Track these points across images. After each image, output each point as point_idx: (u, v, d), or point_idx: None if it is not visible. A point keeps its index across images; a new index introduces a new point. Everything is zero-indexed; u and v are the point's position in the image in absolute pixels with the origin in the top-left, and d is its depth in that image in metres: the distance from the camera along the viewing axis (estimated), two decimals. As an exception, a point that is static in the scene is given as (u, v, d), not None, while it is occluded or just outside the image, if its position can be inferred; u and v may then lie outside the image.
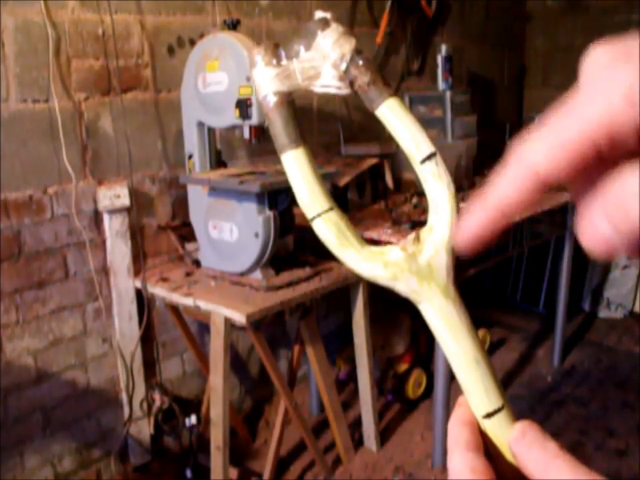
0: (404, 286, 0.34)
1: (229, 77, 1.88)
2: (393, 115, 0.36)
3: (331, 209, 0.36)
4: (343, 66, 0.36)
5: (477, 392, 0.33)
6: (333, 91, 0.36)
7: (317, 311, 2.22)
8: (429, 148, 0.35)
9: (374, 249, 0.35)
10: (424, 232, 0.35)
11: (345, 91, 0.36)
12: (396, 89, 3.15)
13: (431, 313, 0.34)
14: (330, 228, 0.35)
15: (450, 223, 0.34)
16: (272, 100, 0.36)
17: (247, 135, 1.92)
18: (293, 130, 0.37)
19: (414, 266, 0.34)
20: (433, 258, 0.34)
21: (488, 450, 0.33)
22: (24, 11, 1.82)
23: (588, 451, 2.41)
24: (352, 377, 2.59)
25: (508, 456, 0.32)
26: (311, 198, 0.36)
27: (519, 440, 0.31)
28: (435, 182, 0.35)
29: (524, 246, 2.65)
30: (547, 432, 0.31)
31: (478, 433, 0.33)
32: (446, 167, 0.35)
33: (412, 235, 0.35)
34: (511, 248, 2.57)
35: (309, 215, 0.36)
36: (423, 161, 0.35)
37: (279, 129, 0.36)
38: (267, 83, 0.36)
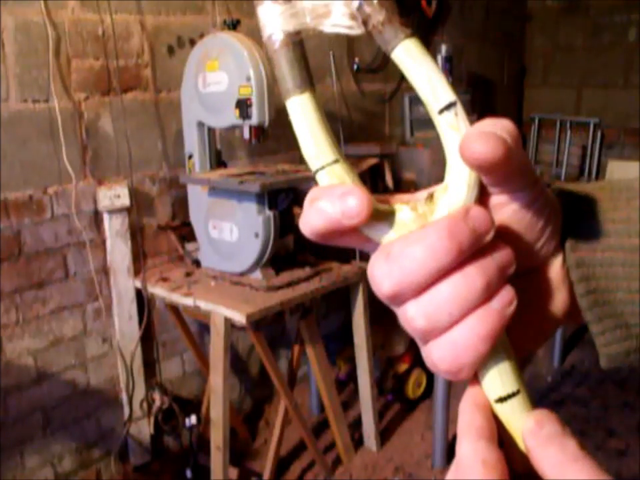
0: None
1: (228, 76, 1.88)
2: (410, 59, 0.32)
3: (336, 161, 0.32)
4: (355, 3, 0.32)
5: (491, 373, 0.30)
6: (343, 31, 0.32)
7: (317, 311, 2.22)
8: (448, 96, 0.31)
9: (381, 207, 0.32)
10: (438, 191, 0.32)
11: (357, 30, 0.32)
12: (396, 89, 3.15)
13: None
14: (334, 182, 0.32)
15: (468, 182, 0.31)
16: (277, 40, 0.33)
17: (246, 135, 1.92)
18: (299, 74, 0.33)
19: None
20: None
21: (499, 436, 0.30)
22: (24, 10, 1.82)
23: (588, 451, 2.41)
24: (352, 376, 2.59)
25: (520, 445, 0.29)
26: (315, 149, 0.32)
27: (534, 433, 0.28)
28: (453, 134, 0.31)
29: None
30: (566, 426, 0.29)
31: (492, 418, 0.30)
32: (467, 117, 0.32)
33: (424, 194, 0.32)
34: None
35: (312, 168, 0.33)
36: (441, 111, 0.32)
37: (284, 72, 0.33)
38: (273, 20, 0.33)
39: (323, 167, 0.32)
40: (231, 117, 1.89)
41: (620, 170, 3.77)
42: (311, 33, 0.33)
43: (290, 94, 0.33)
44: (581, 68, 3.91)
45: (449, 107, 0.31)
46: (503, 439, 0.30)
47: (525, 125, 4.16)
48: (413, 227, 0.31)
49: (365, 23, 0.32)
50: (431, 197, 0.31)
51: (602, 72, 3.84)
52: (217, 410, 1.92)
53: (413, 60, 0.32)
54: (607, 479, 0.27)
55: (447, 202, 0.31)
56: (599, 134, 3.86)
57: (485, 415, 0.30)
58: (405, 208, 0.31)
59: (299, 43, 0.33)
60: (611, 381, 2.95)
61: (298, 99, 0.33)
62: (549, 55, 4.08)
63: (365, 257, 2.34)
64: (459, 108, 0.31)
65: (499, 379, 0.30)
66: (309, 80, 0.33)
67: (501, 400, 0.30)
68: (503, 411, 0.30)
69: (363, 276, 2.18)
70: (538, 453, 0.28)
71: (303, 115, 0.33)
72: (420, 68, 0.32)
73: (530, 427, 0.28)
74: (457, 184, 0.31)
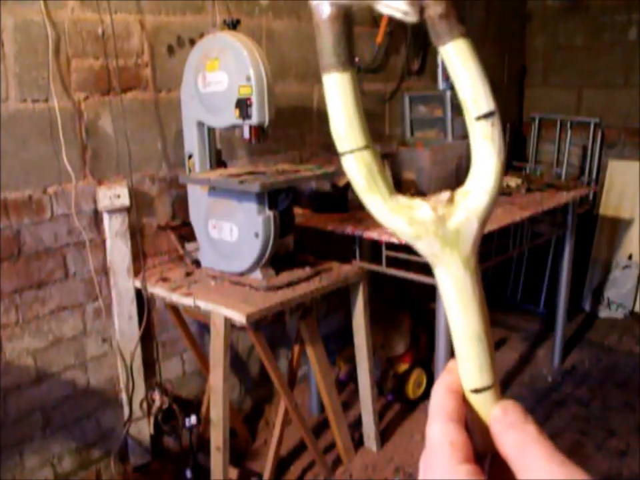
0: (425, 247, 0.32)
1: (228, 76, 1.87)
2: (458, 58, 0.32)
3: (366, 147, 0.32)
4: None
5: (472, 366, 0.32)
6: (397, 14, 0.31)
7: (317, 311, 2.22)
8: (487, 105, 0.32)
9: (402, 200, 0.32)
10: (459, 194, 0.32)
11: (412, 18, 0.31)
12: (396, 89, 3.15)
13: (446, 279, 0.32)
14: (360, 168, 0.32)
15: (490, 191, 0.32)
16: (326, 10, 0.31)
17: (246, 134, 1.92)
18: (344, 50, 0.32)
19: (441, 230, 0.32)
20: (462, 224, 0.32)
21: (468, 424, 0.32)
22: (24, 10, 1.82)
23: (588, 451, 2.41)
24: (352, 377, 2.59)
25: (488, 434, 0.31)
26: (347, 130, 0.32)
27: (499, 419, 0.31)
28: (485, 144, 0.32)
29: (524, 246, 2.64)
30: (531, 416, 0.31)
31: (462, 403, 0.32)
32: (501, 130, 0.32)
33: (446, 195, 0.32)
34: (511, 248, 2.57)
35: (340, 149, 0.33)
36: (479, 118, 0.32)
37: (328, 46, 0.32)
38: None
39: (352, 151, 0.32)
40: (230, 116, 1.88)
41: (620, 170, 3.77)
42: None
43: (330, 69, 0.32)
44: (581, 68, 3.91)
45: (487, 115, 0.32)
46: (470, 428, 0.32)
47: (524, 125, 4.16)
48: (431, 229, 0.31)
49: (421, 10, 0.31)
50: (451, 199, 0.32)
51: (602, 72, 3.84)
52: (216, 410, 1.92)
53: (461, 60, 0.32)
54: (561, 458, 0.29)
55: (466, 207, 0.32)
56: (599, 134, 3.86)
57: (456, 400, 0.32)
58: (425, 206, 0.32)
59: (350, 17, 0.32)
60: (612, 381, 2.95)
61: (338, 77, 0.32)
62: (549, 54, 4.08)
63: (365, 258, 2.34)
64: (497, 119, 0.32)
65: (479, 372, 0.32)
66: (352, 60, 0.32)
67: (477, 391, 0.32)
68: (475, 400, 0.32)
69: (362, 276, 2.17)
70: (502, 437, 0.30)
71: (341, 93, 0.32)
72: (466, 70, 0.32)
73: (496, 414, 0.31)
74: (479, 191, 0.32)
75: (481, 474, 0.29)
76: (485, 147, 0.32)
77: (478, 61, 0.32)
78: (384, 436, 2.50)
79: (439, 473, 0.30)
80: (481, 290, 0.32)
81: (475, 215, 0.32)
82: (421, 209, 0.32)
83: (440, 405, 0.32)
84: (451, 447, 0.30)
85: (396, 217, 0.32)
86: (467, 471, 0.29)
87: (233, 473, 2.11)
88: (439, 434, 0.31)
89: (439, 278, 0.33)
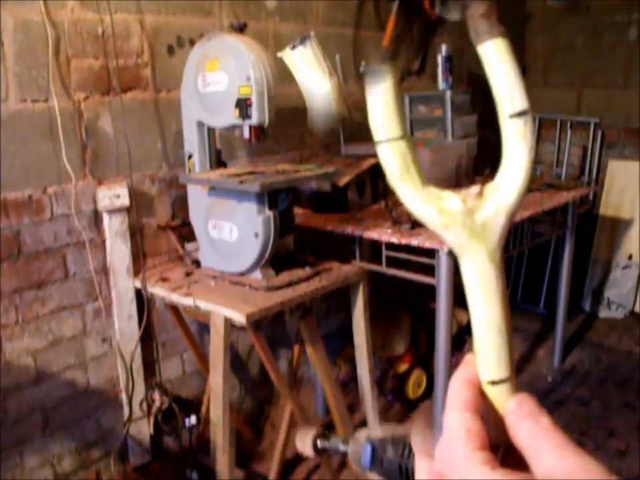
0: (452, 237, 0.33)
1: (228, 76, 1.87)
2: (496, 57, 0.33)
3: (402, 137, 0.34)
4: None
5: (490, 359, 0.33)
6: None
7: (317, 311, 2.22)
8: (522, 104, 0.33)
9: (433, 190, 0.34)
10: (488, 189, 0.34)
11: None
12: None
13: (471, 271, 0.33)
14: (396, 157, 0.34)
15: (519, 187, 0.33)
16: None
17: (246, 134, 1.92)
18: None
19: (469, 222, 0.33)
20: (490, 218, 0.33)
21: (484, 415, 0.33)
22: (24, 10, 1.82)
23: (588, 451, 2.40)
24: (352, 377, 2.58)
25: (502, 426, 0.32)
26: (385, 120, 0.34)
27: (515, 411, 0.32)
28: (518, 141, 0.33)
29: (524, 246, 2.64)
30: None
31: (479, 394, 0.33)
32: (533, 129, 0.33)
33: (476, 189, 0.34)
34: (511, 248, 2.57)
35: (377, 137, 0.34)
36: (513, 116, 0.33)
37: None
38: None
39: (388, 140, 0.34)
40: (230, 116, 1.88)
41: (620, 170, 3.77)
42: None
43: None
44: (581, 68, 3.91)
45: (521, 114, 0.33)
46: (487, 419, 0.33)
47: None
48: (459, 220, 0.33)
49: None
50: (481, 193, 0.33)
51: (602, 72, 3.84)
52: (217, 410, 1.92)
53: (499, 59, 0.33)
54: (573, 447, 0.30)
55: (495, 201, 0.33)
56: (599, 134, 3.86)
57: (473, 391, 0.33)
58: (455, 197, 0.33)
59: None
60: (612, 381, 2.95)
61: (384, 69, 0.34)
62: (549, 54, 4.08)
63: (365, 258, 2.34)
64: (530, 117, 0.33)
65: (497, 365, 0.33)
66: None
67: (494, 383, 0.33)
68: (492, 392, 0.33)
69: (362, 276, 2.17)
70: (516, 427, 0.31)
71: (384, 84, 0.34)
72: (504, 69, 0.33)
73: (511, 407, 0.32)
74: (508, 187, 0.33)
75: (495, 462, 0.30)
76: (517, 144, 0.33)
77: (515, 60, 0.33)
78: (384, 436, 2.50)
79: (454, 460, 0.31)
80: (504, 283, 0.33)
81: (503, 209, 0.33)
82: (451, 200, 0.33)
83: (457, 396, 0.33)
84: (467, 435, 0.31)
85: (427, 205, 0.33)
86: (482, 457, 0.30)
87: (239, 474, 2.11)
88: (456, 422, 0.32)
89: (464, 269, 0.34)
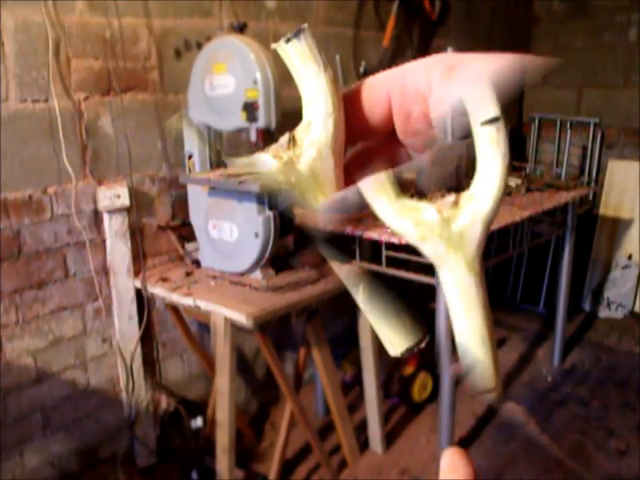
0: (430, 249, 0.33)
1: (235, 79, 1.87)
2: None
3: None
4: None
5: (474, 370, 0.33)
6: None
7: (323, 314, 2.22)
8: (494, 110, 0.33)
9: (408, 202, 0.33)
10: (464, 198, 0.33)
11: None
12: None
13: (449, 281, 0.33)
14: None
15: (494, 195, 0.33)
16: None
17: (253, 137, 1.91)
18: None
19: (445, 232, 0.32)
20: (467, 227, 0.33)
21: None
22: (24, 10, 1.82)
23: (588, 451, 2.41)
24: (358, 379, 2.58)
25: None
26: None
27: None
28: (491, 148, 0.33)
29: (524, 246, 2.64)
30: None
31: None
32: (506, 135, 0.33)
33: (451, 198, 0.33)
34: (511, 248, 2.57)
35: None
36: (484, 123, 0.33)
37: None
38: None
39: None
40: (237, 119, 1.88)
41: (620, 170, 3.77)
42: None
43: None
44: (582, 68, 3.91)
45: (493, 121, 0.33)
46: None
47: (525, 125, 4.16)
48: (436, 231, 0.32)
49: None
50: (456, 202, 0.33)
51: (602, 72, 3.84)
52: (223, 412, 1.92)
53: None
54: None
55: (471, 210, 0.33)
56: (599, 134, 3.86)
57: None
58: (431, 208, 0.33)
59: None
60: (612, 381, 2.95)
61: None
62: (550, 54, 4.07)
63: (365, 257, 2.34)
64: (502, 124, 0.33)
65: (481, 376, 0.33)
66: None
67: (479, 394, 0.33)
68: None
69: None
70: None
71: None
72: None
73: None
74: (483, 195, 0.33)
75: None
76: (490, 151, 0.33)
77: None
78: (389, 438, 2.50)
79: None
80: (484, 292, 0.33)
81: (479, 218, 0.32)
82: (426, 211, 0.33)
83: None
84: None
85: (402, 219, 0.33)
86: None
87: (239, 474, 2.11)
88: None
89: (443, 279, 0.33)
